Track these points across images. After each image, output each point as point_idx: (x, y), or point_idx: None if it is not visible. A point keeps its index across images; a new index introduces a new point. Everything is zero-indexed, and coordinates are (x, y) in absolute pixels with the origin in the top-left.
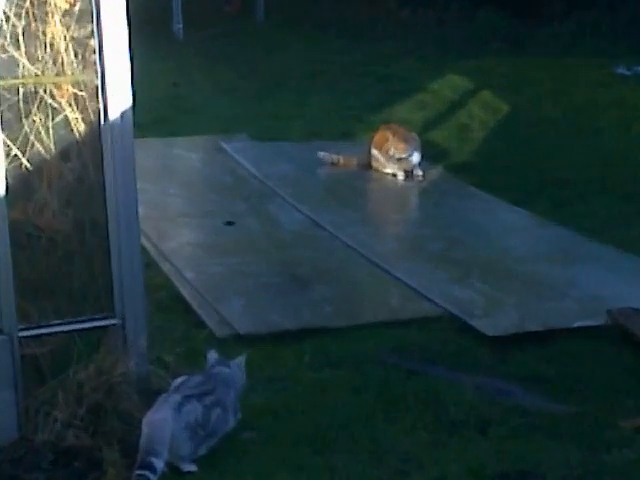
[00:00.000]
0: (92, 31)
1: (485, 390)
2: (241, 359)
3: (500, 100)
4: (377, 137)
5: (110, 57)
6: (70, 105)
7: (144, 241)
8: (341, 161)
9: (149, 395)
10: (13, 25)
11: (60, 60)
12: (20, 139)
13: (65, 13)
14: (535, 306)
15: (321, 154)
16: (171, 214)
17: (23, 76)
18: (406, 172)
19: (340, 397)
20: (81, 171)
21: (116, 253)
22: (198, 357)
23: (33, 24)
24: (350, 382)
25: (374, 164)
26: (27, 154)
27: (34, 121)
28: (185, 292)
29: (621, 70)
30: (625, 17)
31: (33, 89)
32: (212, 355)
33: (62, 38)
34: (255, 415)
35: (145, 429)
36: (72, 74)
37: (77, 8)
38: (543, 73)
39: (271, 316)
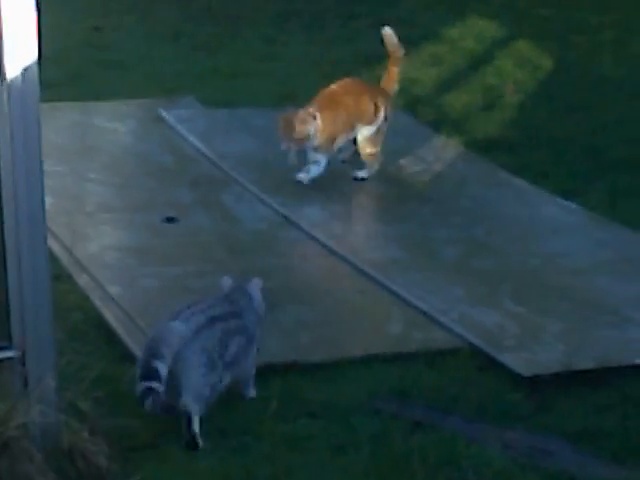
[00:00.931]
0: None
1: (517, 449)
2: (257, 281)
3: (541, 53)
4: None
5: None
6: None
7: (53, 244)
8: None
9: (57, 455)
10: None
11: None
12: None
13: None
14: (587, 335)
15: None
16: (90, 207)
17: None
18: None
19: (320, 459)
20: None
21: (13, 261)
22: (125, 402)
23: None
24: (333, 438)
25: None
26: None
27: None
28: (108, 314)
29: None
30: None
31: None
32: (226, 281)
33: None
34: None
35: (150, 333)
36: None
37: None
38: (601, 16)
39: None
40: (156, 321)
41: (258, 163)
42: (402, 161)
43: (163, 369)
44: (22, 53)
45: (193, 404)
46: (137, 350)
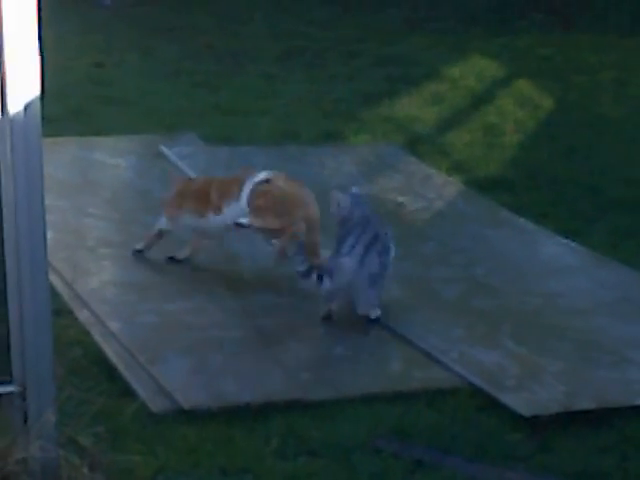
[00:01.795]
0: None
1: None
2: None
3: (542, 93)
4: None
5: (11, 27)
6: None
7: (54, 279)
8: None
9: None
10: None
11: None
12: None
13: None
14: (587, 376)
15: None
16: (91, 242)
17: None
18: None
19: None
20: None
21: (15, 296)
22: (125, 438)
23: None
24: (334, 477)
25: None
26: None
27: None
28: (109, 349)
29: None
30: None
31: None
32: (356, 191)
33: None
34: None
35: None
36: None
37: None
38: (599, 56)
39: (225, 385)
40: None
41: None
42: (402, 199)
43: (327, 283)
44: (25, 88)
45: (368, 308)
46: (137, 386)
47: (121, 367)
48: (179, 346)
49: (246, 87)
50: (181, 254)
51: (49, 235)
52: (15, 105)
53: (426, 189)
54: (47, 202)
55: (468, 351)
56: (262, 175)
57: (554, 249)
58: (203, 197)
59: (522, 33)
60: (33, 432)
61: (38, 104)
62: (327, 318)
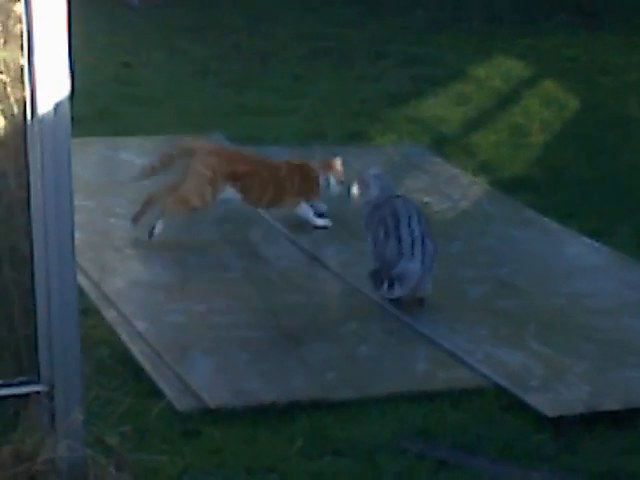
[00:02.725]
0: None
1: None
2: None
3: (568, 93)
4: None
5: (41, 28)
6: None
7: (81, 279)
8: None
9: None
10: None
11: None
12: None
13: None
14: (613, 376)
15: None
16: (118, 242)
17: None
18: None
19: None
20: None
21: (43, 295)
22: (151, 438)
23: None
24: (359, 476)
25: None
26: None
27: None
28: (135, 349)
29: None
30: None
31: None
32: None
33: None
34: None
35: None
36: None
37: None
38: (625, 57)
39: (251, 384)
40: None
41: None
42: (428, 199)
43: (398, 291)
44: (54, 89)
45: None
46: (163, 385)
47: (147, 367)
48: (205, 346)
49: (273, 87)
50: None
51: (76, 235)
52: (45, 105)
53: (452, 189)
54: (74, 202)
55: (493, 351)
56: None
57: (579, 249)
58: None
59: (548, 33)
60: (60, 432)
61: (67, 104)
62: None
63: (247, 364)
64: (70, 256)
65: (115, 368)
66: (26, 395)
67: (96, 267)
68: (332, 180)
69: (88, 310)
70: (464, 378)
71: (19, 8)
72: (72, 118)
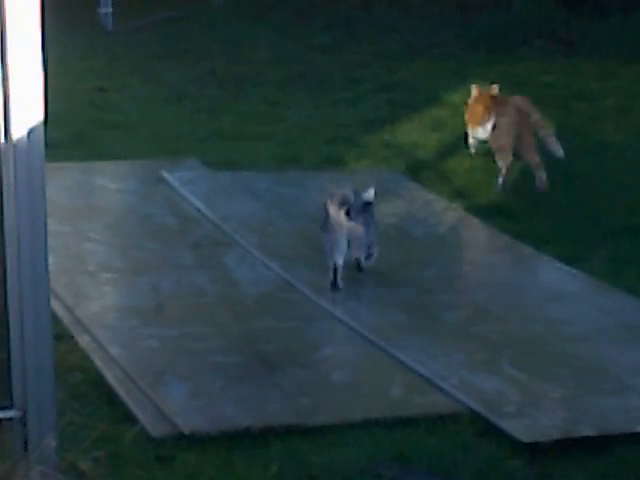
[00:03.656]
0: None
1: None
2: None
3: (544, 119)
4: None
5: (15, 52)
6: None
7: (55, 304)
8: None
9: None
10: None
11: None
12: None
13: None
14: (588, 403)
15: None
16: (92, 267)
17: None
18: None
19: None
20: None
21: (16, 321)
22: (125, 463)
23: None
24: None
25: None
26: None
27: None
28: (109, 374)
29: None
30: None
31: None
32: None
33: None
34: None
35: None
36: None
37: None
38: (601, 83)
39: (226, 409)
40: None
41: (260, 225)
42: (403, 225)
43: None
44: (28, 114)
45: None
46: (137, 411)
47: (121, 392)
48: (179, 371)
49: (248, 112)
50: None
51: (51, 260)
52: (18, 130)
53: (427, 215)
54: (49, 227)
55: (468, 377)
56: None
57: (555, 275)
58: None
59: (523, 60)
60: (33, 457)
61: (41, 130)
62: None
63: (222, 389)
64: (44, 281)
65: (89, 393)
66: None
67: (70, 292)
68: None
69: (62, 335)
70: (439, 404)
71: None
72: (46, 143)
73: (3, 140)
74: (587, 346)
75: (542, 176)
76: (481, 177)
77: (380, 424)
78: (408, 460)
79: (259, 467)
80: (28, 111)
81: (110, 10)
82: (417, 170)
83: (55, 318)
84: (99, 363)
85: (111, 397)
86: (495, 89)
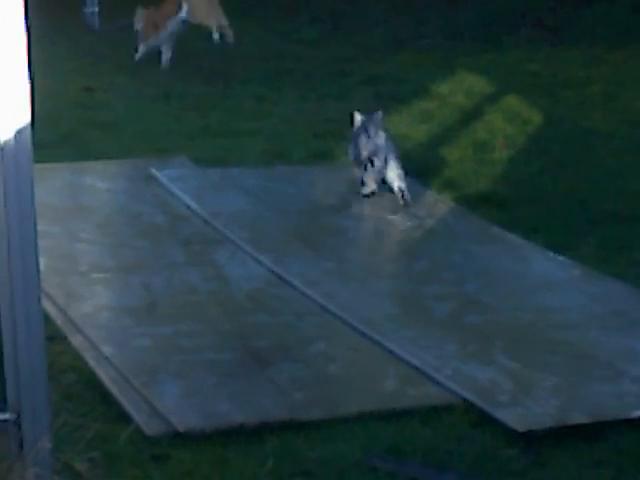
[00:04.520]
0: None
1: None
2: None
3: (531, 108)
4: None
5: (0, 55)
6: None
7: (47, 305)
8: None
9: None
10: None
11: None
12: None
13: None
14: (581, 390)
15: None
16: (83, 267)
17: None
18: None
19: None
20: None
21: (8, 323)
22: (120, 463)
23: None
24: None
25: None
26: None
27: None
28: (103, 374)
29: None
30: None
31: None
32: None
33: None
34: None
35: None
36: None
37: None
38: (587, 70)
39: (220, 406)
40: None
41: (250, 221)
42: (393, 217)
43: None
44: (15, 115)
45: None
46: (132, 410)
47: (115, 391)
48: (173, 369)
49: (236, 109)
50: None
51: (41, 261)
52: (5, 132)
53: (416, 207)
54: (39, 228)
55: (461, 367)
56: None
57: (545, 264)
58: None
59: (510, 49)
60: (29, 459)
61: (29, 131)
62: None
63: (215, 386)
64: (35, 282)
65: (83, 394)
66: None
67: (62, 292)
68: None
69: (54, 336)
70: (433, 395)
71: None
72: (35, 144)
73: None
74: (578, 333)
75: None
76: (470, 168)
77: (374, 417)
78: (402, 452)
79: (254, 463)
80: (15, 113)
81: (96, 9)
82: (406, 162)
83: (47, 319)
84: (92, 363)
85: (105, 397)
86: None
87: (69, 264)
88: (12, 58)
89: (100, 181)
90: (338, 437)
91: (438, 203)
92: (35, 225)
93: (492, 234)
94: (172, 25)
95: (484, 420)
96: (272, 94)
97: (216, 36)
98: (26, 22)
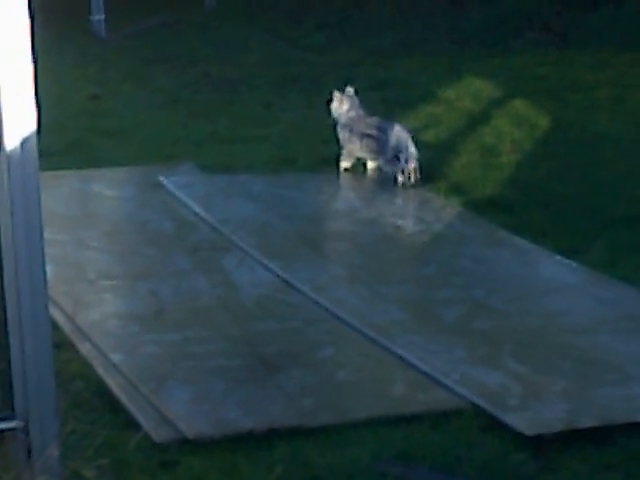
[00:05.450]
0: None
1: None
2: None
3: (538, 112)
4: None
5: (6, 64)
6: None
7: (55, 313)
8: None
9: None
10: None
11: None
12: None
13: None
14: (590, 394)
15: None
16: (91, 275)
17: None
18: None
19: None
20: None
21: (15, 330)
22: (129, 470)
23: None
24: None
25: None
26: None
27: None
28: (111, 381)
29: None
30: None
31: None
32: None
33: None
34: None
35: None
36: None
37: None
38: (595, 74)
39: (229, 413)
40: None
41: (258, 227)
42: (401, 222)
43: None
44: (21, 123)
45: None
46: (140, 417)
47: (124, 398)
48: (181, 376)
49: (243, 115)
50: None
51: (49, 269)
52: (11, 141)
53: (424, 212)
54: (46, 236)
55: (470, 372)
56: None
57: (554, 268)
58: None
59: (517, 53)
60: (37, 467)
61: (35, 139)
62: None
63: (224, 393)
64: (42, 290)
65: (91, 401)
66: (1, 432)
67: (70, 300)
68: None
69: (62, 344)
70: (442, 400)
71: None
72: (42, 152)
73: None
74: (588, 337)
75: None
76: (477, 172)
77: (383, 422)
78: (412, 457)
79: (263, 469)
80: (21, 121)
81: (103, 17)
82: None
83: (55, 327)
84: (100, 370)
85: (113, 404)
86: None
87: (77, 272)
88: (17, 66)
89: (107, 188)
90: (347, 443)
91: (446, 208)
92: (42, 233)
93: (500, 238)
94: None
95: (493, 425)
96: (279, 100)
97: None
98: (32, 29)
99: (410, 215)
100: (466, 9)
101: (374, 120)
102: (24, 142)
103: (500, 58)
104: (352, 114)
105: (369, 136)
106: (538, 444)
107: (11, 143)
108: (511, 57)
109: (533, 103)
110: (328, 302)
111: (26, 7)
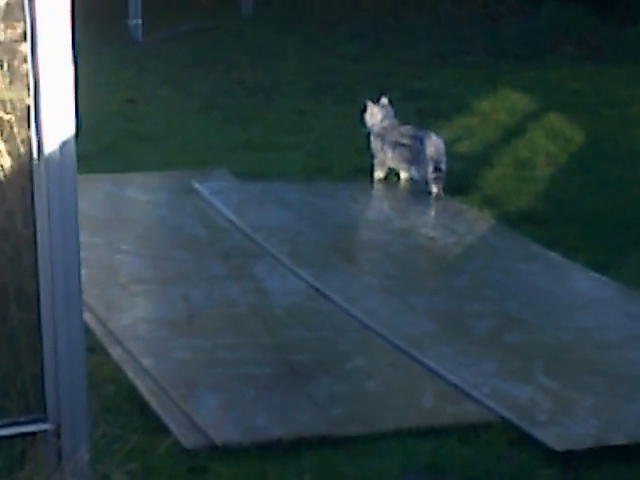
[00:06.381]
0: (24, 32)
1: None
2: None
3: (573, 126)
4: None
5: (47, 67)
6: None
7: (87, 316)
8: None
9: None
10: None
11: None
12: None
13: None
14: (621, 410)
15: None
16: (124, 279)
17: None
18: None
19: None
20: (4, 221)
21: (49, 333)
22: (158, 475)
23: None
24: None
25: None
26: None
27: None
28: (142, 386)
29: None
30: None
31: None
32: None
33: None
34: None
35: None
36: None
37: (3, 2)
38: (632, 89)
39: (258, 420)
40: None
41: (291, 235)
42: (434, 233)
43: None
44: (60, 127)
45: None
46: (170, 422)
47: (154, 403)
48: (211, 382)
49: (278, 122)
50: None
51: (82, 272)
52: (51, 144)
53: (457, 224)
54: (80, 239)
55: (500, 385)
56: None
57: (585, 283)
58: None
59: (553, 66)
60: (67, 470)
61: (73, 143)
62: None
63: (254, 400)
64: (77, 294)
65: (121, 405)
66: (33, 434)
67: (102, 304)
68: None
69: (94, 347)
70: (471, 412)
71: (25, 48)
72: (77, 155)
73: (35, 153)
74: (618, 353)
75: None
76: (511, 185)
77: (412, 434)
78: (440, 470)
79: (291, 477)
80: (60, 125)
81: (140, 21)
82: (447, 178)
83: (87, 330)
84: (131, 375)
85: (144, 409)
86: None
87: (109, 275)
88: (58, 71)
89: (141, 193)
90: (376, 453)
91: (479, 220)
92: (78, 236)
93: (533, 252)
94: None
95: (522, 439)
96: (313, 108)
97: None
98: (72, 33)
99: (443, 226)
100: (503, 22)
101: (408, 129)
102: (63, 146)
103: (536, 71)
104: (385, 123)
105: (402, 145)
106: (567, 460)
107: (50, 146)
108: (547, 71)
109: (568, 117)
110: (359, 312)
111: (69, 11)
